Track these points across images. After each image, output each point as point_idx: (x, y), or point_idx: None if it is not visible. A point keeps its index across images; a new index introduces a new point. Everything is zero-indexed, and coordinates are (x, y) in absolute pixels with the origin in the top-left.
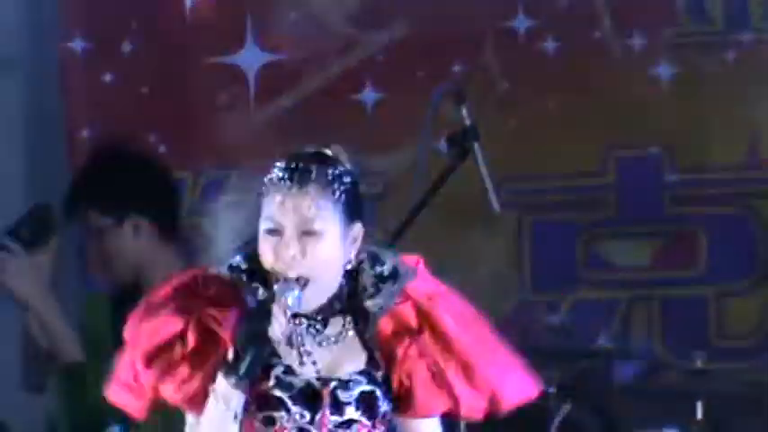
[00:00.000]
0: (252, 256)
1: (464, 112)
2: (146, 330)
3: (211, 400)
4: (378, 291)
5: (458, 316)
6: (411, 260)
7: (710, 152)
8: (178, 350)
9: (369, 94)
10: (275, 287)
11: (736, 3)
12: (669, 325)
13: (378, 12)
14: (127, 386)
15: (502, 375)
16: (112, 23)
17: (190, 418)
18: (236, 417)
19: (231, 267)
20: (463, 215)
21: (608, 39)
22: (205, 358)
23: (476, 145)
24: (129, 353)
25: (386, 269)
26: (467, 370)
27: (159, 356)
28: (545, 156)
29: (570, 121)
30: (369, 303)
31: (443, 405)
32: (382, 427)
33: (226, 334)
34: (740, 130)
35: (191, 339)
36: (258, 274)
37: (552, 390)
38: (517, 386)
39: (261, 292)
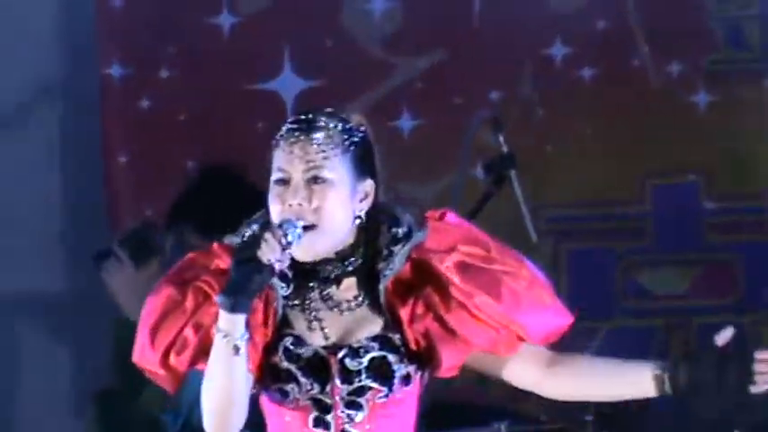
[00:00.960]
0: (266, 224)
1: (501, 139)
2: (149, 307)
3: (215, 340)
4: (390, 253)
5: (464, 261)
6: (434, 214)
7: (748, 180)
8: (178, 319)
9: (406, 121)
10: (277, 223)
11: None
12: None
13: (415, 38)
14: (146, 369)
15: (518, 310)
16: (150, 50)
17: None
18: (237, 350)
19: (243, 236)
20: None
21: (646, 66)
22: (203, 321)
23: (513, 172)
24: (139, 332)
25: (401, 230)
26: (470, 311)
27: (161, 331)
28: (582, 183)
29: (607, 148)
30: (380, 266)
31: (460, 353)
32: (406, 389)
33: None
34: None
35: (188, 305)
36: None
37: (590, 418)
38: (540, 320)
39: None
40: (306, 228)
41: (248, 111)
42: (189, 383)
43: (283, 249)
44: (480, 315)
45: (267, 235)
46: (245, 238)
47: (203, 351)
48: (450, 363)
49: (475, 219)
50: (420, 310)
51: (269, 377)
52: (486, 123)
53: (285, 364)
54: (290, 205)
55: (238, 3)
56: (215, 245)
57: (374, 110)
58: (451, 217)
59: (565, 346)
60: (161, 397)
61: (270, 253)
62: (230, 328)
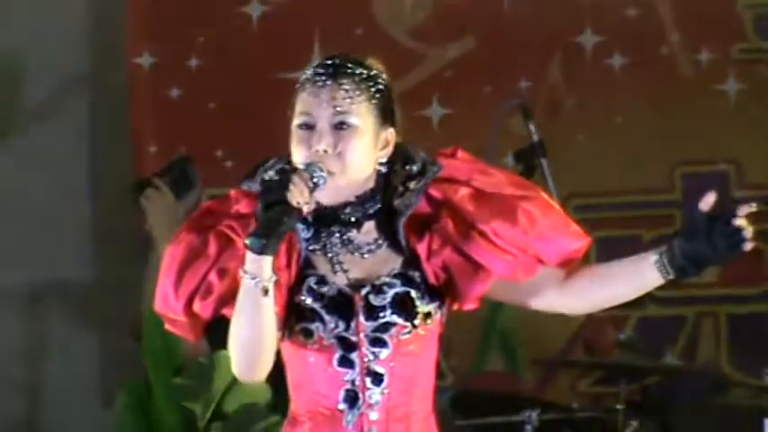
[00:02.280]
0: (284, 169)
1: (531, 127)
2: (169, 256)
3: (242, 281)
4: (406, 189)
5: (479, 189)
6: (446, 152)
7: None
8: (201, 265)
9: (435, 110)
10: (303, 166)
11: None
12: (736, 341)
13: (445, 28)
14: (167, 317)
15: (536, 233)
16: (180, 39)
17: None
18: (266, 292)
19: (263, 181)
20: None
21: (675, 54)
22: (227, 266)
23: (543, 161)
24: (160, 281)
25: (415, 167)
26: (488, 238)
27: (184, 278)
28: (612, 171)
29: (637, 136)
30: (397, 203)
31: (482, 282)
32: (428, 325)
33: (241, 240)
34: None
35: (211, 250)
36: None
37: (620, 406)
38: (558, 242)
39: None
40: (330, 171)
41: (278, 99)
42: (218, 371)
43: (310, 192)
44: (497, 241)
45: (295, 178)
46: (271, 181)
47: (229, 296)
48: (472, 293)
49: None
50: (436, 244)
51: (293, 317)
52: (516, 112)
53: (309, 303)
54: (317, 151)
55: None
56: (232, 191)
57: (404, 99)
58: (462, 153)
59: (594, 335)
60: (190, 386)
61: (299, 195)
62: (258, 269)
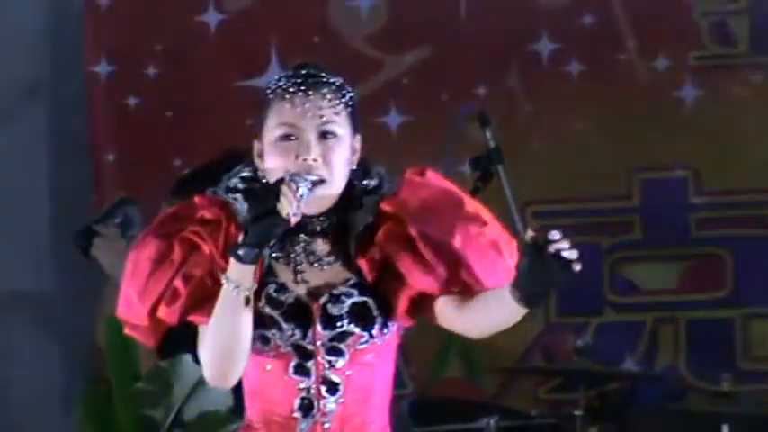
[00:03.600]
0: (249, 177)
1: (488, 134)
2: (133, 261)
3: (223, 288)
4: (361, 205)
5: (426, 207)
6: (415, 171)
7: (736, 174)
8: (165, 270)
9: (394, 117)
10: (288, 176)
11: (760, 26)
12: (695, 347)
13: (402, 35)
14: (128, 322)
15: (468, 248)
16: (137, 47)
17: (200, 329)
18: (248, 301)
19: (228, 189)
20: None
21: (632, 61)
22: (191, 273)
23: (500, 168)
24: (124, 286)
25: (372, 183)
26: (416, 250)
27: (149, 281)
28: (570, 178)
29: (595, 143)
30: (352, 217)
31: (406, 297)
32: (385, 336)
33: (207, 246)
34: (766, 151)
35: (176, 256)
36: (255, 192)
37: (579, 412)
38: (491, 266)
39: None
40: (314, 183)
41: (236, 107)
42: (178, 378)
43: (298, 204)
44: (425, 254)
45: (284, 188)
46: (259, 191)
47: (194, 303)
48: (401, 308)
49: None
50: (377, 255)
51: (251, 323)
52: (473, 119)
53: (267, 310)
54: (305, 160)
55: (224, 0)
56: (196, 197)
57: (362, 106)
58: (431, 174)
59: (553, 341)
60: (151, 394)
61: (288, 206)
62: (242, 278)
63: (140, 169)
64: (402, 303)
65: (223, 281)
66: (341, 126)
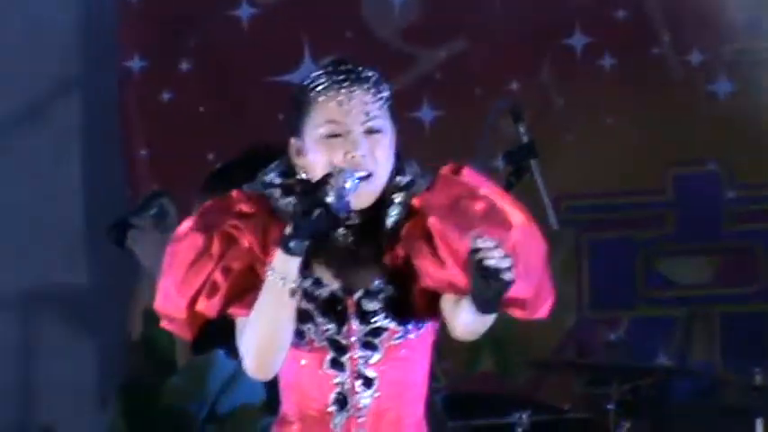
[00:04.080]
0: (286, 172)
1: (521, 129)
2: (172, 255)
3: (268, 279)
4: (392, 202)
5: (455, 205)
6: (451, 167)
7: None
8: (205, 264)
9: (427, 112)
10: (336, 170)
11: None
12: (728, 342)
13: (435, 29)
14: (167, 315)
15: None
16: (170, 42)
17: (238, 322)
18: (293, 293)
19: (264, 184)
20: None
21: (666, 55)
22: (231, 265)
23: (533, 162)
24: (162, 279)
25: (404, 180)
26: (433, 244)
27: (188, 276)
28: (603, 173)
29: (628, 138)
30: (383, 213)
31: (423, 294)
32: (420, 331)
33: (246, 239)
34: None
35: (215, 250)
36: (292, 188)
37: (611, 407)
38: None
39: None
40: (361, 177)
41: (268, 102)
42: (213, 373)
43: (346, 198)
44: (442, 250)
45: (332, 181)
46: (309, 184)
47: (234, 295)
48: (417, 304)
49: None
50: (402, 251)
51: None
52: (506, 113)
53: (303, 304)
54: (353, 157)
55: None
56: (233, 192)
57: (395, 101)
58: (468, 171)
59: (586, 336)
60: (185, 388)
61: (338, 200)
62: (287, 270)
63: (173, 164)
64: (417, 299)
65: (268, 272)
66: (384, 121)
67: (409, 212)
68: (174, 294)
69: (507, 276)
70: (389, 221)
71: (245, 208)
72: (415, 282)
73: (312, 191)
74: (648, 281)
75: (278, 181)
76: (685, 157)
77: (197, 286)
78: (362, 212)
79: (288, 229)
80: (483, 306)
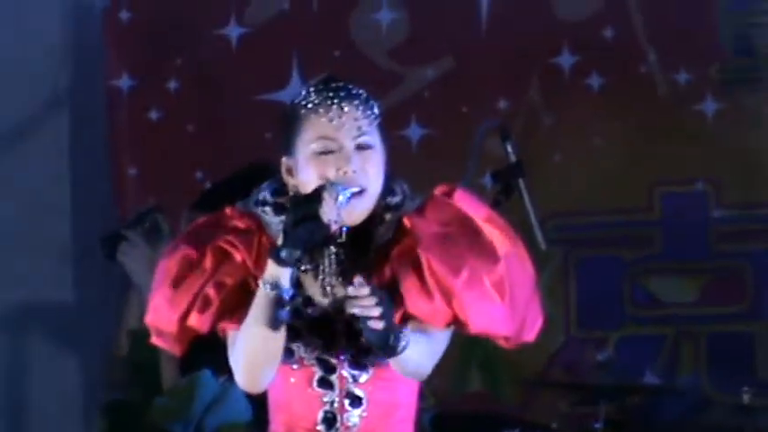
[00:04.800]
0: (278, 190)
1: (509, 148)
2: (163, 270)
3: (259, 292)
4: (382, 221)
5: (446, 233)
6: (443, 189)
7: (756, 188)
8: (197, 278)
9: (414, 130)
10: (329, 184)
11: None
12: (716, 361)
13: (423, 48)
14: (157, 329)
15: (468, 293)
16: (158, 61)
17: (230, 336)
18: (282, 304)
19: (257, 202)
20: None
21: (654, 74)
22: (224, 280)
23: (521, 181)
24: (153, 294)
25: (395, 200)
26: (421, 273)
27: (179, 289)
28: (590, 192)
29: (616, 156)
30: (373, 232)
31: (400, 310)
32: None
33: (239, 254)
34: None
35: (207, 264)
36: (285, 207)
37: (599, 425)
38: (486, 312)
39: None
40: (353, 192)
41: (257, 121)
42: (199, 392)
43: (337, 213)
44: (431, 284)
45: (325, 194)
46: (301, 196)
47: (226, 310)
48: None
49: None
50: (388, 272)
51: None
52: (494, 132)
53: (293, 323)
54: (345, 172)
55: (246, 14)
56: (226, 209)
57: (383, 119)
58: (460, 194)
59: (574, 355)
60: (171, 406)
61: (330, 212)
62: (279, 281)
63: (162, 182)
64: (402, 321)
65: (260, 284)
66: (375, 137)
67: (398, 232)
68: (166, 308)
69: (374, 325)
70: (379, 241)
71: (238, 224)
72: (402, 303)
73: (304, 202)
74: (636, 300)
75: (270, 199)
76: (673, 177)
77: (189, 300)
78: (353, 231)
79: (279, 240)
80: (377, 350)
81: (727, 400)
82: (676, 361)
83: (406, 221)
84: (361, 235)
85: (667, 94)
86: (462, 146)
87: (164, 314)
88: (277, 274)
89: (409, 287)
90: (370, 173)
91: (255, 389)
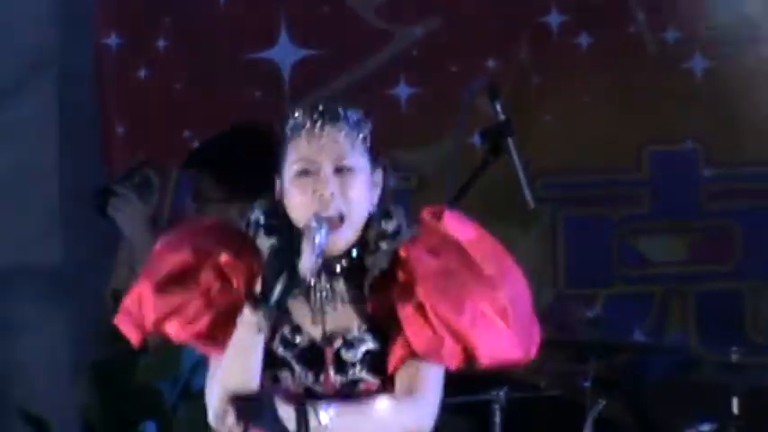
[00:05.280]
0: (270, 211)
1: (498, 107)
2: (159, 260)
3: (238, 330)
4: (377, 249)
5: (443, 266)
6: (433, 211)
7: (745, 146)
8: (189, 287)
9: (403, 89)
10: (307, 225)
11: None
12: (705, 320)
13: (412, 7)
14: (130, 314)
15: (474, 327)
16: (147, 19)
17: (212, 361)
18: (260, 329)
19: (249, 223)
20: (498, 210)
21: (642, 33)
22: (215, 301)
23: (510, 140)
24: (140, 280)
25: (390, 227)
26: (424, 311)
27: (168, 290)
28: (579, 151)
29: (604, 116)
30: (368, 260)
31: (401, 351)
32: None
33: (237, 280)
34: None
35: (205, 279)
36: (276, 228)
37: (587, 384)
38: (494, 343)
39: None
40: (331, 225)
41: (245, 79)
42: (185, 352)
43: (317, 256)
44: (432, 318)
45: (303, 244)
46: (278, 246)
47: (211, 333)
48: (393, 363)
49: (473, 186)
50: (387, 304)
51: (263, 362)
52: (482, 91)
53: (281, 351)
54: (322, 195)
55: None
56: (221, 221)
57: (371, 78)
58: (449, 217)
59: (564, 313)
60: (158, 365)
61: (306, 261)
62: (256, 326)
63: (150, 141)
64: (395, 359)
65: (239, 323)
66: (357, 160)
67: (394, 262)
68: (147, 304)
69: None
70: (374, 271)
71: (239, 244)
72: (397, 333)
73: (279, 253)
74: (624, 258)
75: (263, 221)
76: (662, 135)
77: (174, 307)
78: (346, 259)
79: (257, 289)
80: None
81: (716, 359)
82: (665, 319)
83: (403, 253)
84: (355, 263)
85: (656, 52)
86: (451, 105)
87: (143, 307)
88: (256, 319)
89: (416, 330)
90: (350, 197)
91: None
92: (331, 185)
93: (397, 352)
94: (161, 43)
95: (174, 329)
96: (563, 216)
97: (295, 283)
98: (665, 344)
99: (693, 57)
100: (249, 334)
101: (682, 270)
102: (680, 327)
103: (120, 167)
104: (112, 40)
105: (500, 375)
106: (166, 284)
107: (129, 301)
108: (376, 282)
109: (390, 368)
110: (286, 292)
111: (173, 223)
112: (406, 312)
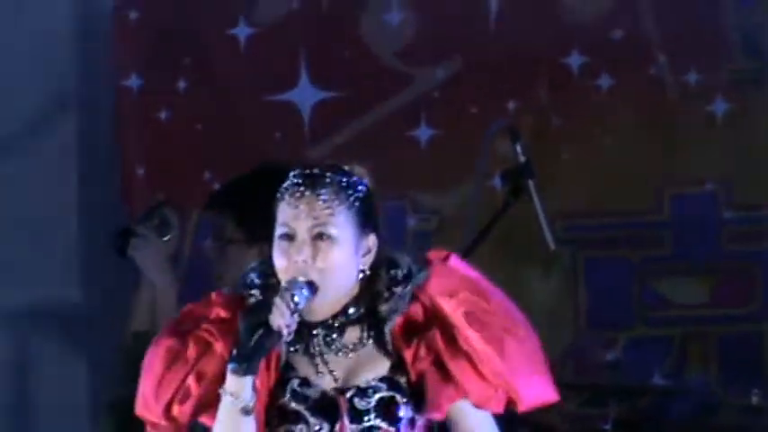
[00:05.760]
0: (266, 272)
1: (519, 148)
2: (149, 361)
3: (222, 399)
4: (391, 295)
5: (471, 311)
6: (439, 255)
7: (766, 188)
8: (180, 368)
9: (423, 131)
10: (282, 284)
11: None
12: (725, 362)
13: (432, 49)
14: (150, 422)
15: (516, 372)
16: (167, 61)
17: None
18: (247, 411)
19: (244, 285)
20: (518, 252)
21: (663, 75)
22: (205, 371)
23: (530, 182)
24: (141, 386)
25: (400, 272)
26: (473, 362)
27: (164, 382)
28: (600, 192)
29: (625, 157)
30: (383, 308)
31: (451, 397)
32: (412, 431)
33: (219, 345)
34: None
35: (190, 354)
36: (272, 288)
37: (608, 427)
38: (534, 386)
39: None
40: (311, 287)
41: (265, 121)
42: None
43: (292, 313)
44: (482, 368)
45: (277, 300)
46: (253, 303)
47: (206, 403)
48: (436, 406)
49: (494, 228)
50: (423, 352)
51: (276, 419)
52: (503, 133)
53: (293, 406)
54: (296, 261)
55: (255, 13)
56: (213, 294)
57: (392, 120)
58: (455, 260)
59: (584, 356)
60: None
61: (280, 318)
62: (239, 389)
63: (170, 182)
64: (442, 403)
65: (221, 392)
66: (337, 227)
67: (414, 304)
68: (151, 400)
69: None
70: (395, 315)
71: (221, 313)
72: (437, 383)
73: (253, 311)
74: (645, 300)
75: (257, 281)
76: (682, 177)
77: (173, 391)
78: (342, 315)
79: (234, 350)
80: None
81: (737, 402)
82: (685, 362)
83: (422, 296)
84: (368, 310)
85: (677, 95)
86: (471, 146)
87: (149, 406)
88: (236, 382)
89: (469, 378)
90: (327, 265)
91: None
92: (304, 253)
93: (442, 394)
94: (181, 84)
95: (178, 413)
96: (583, 258)
97: (272, 339)
98: (686, 387)
99: (714, 99)
100: (231, 399)
101: (702, 312)
102: (700, 369)
103: (140, 208)
104: (133, 81)
105: (521, 418)
106: (162, 377)
107: (140, 408)
108: (401, 328)
109: (436, 411)
110: (257, 348)
111: (193, 264)
112: (452, 361)
